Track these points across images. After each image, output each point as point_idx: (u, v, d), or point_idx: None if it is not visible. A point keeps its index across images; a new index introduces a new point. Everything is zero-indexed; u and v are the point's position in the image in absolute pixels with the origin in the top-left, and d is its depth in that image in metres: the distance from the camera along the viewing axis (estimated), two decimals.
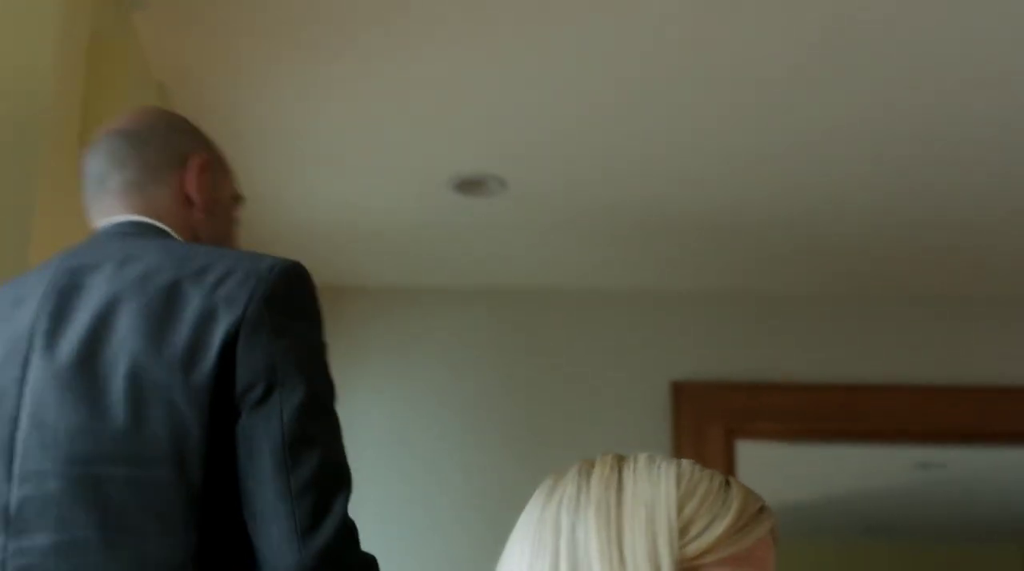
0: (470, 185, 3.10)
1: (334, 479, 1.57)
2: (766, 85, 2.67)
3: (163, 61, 2.62)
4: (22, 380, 1.62)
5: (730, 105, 2.75)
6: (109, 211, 1.76)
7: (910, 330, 3.75)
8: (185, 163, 1.79)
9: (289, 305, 1.62)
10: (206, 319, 1.58)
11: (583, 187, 3.15)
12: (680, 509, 1.16)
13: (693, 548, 1.14)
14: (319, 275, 1.64)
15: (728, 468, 3.41)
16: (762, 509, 1.19)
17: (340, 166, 3.04)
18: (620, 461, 1.21)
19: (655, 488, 1.18)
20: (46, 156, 2.01)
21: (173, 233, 1.76)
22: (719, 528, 1.16)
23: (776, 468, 3.68)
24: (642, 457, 1.22)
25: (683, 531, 1.15)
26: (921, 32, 2.49)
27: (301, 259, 1.64)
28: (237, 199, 1.88)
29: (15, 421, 1.61)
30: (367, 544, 1.56)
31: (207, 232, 1.81)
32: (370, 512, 3.57)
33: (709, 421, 3.59)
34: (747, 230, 3.37)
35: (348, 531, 1.55)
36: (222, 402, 1.55)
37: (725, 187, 3.14)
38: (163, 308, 1.60)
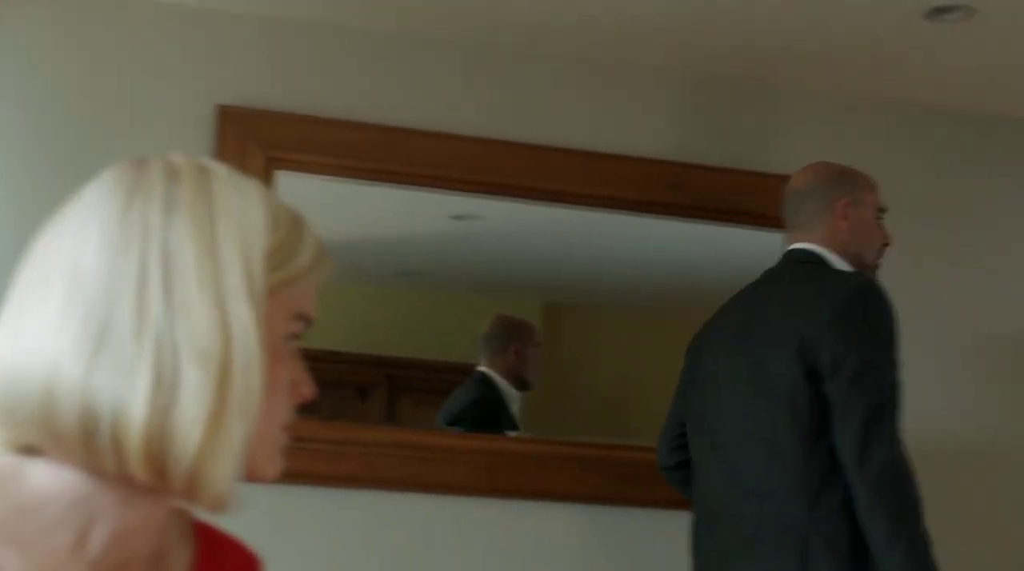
0: None
1: None
2: None
3: None
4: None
5: None
6: (793, 240, 2.99)
7: (463, 79, 3.77)
8: (834, 207, 2.95)
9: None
10: None
11: None
12: (271, 233, 1.14)
13: (280, 275, 1.14)
14: None
15: None
16: (326, 251, 1.20)
17: None
18: (203, 168, 1.16)
19: (245, 206, 1.14)
20: None
21: (828, 253, 2.92)
22: (303, 259, 1.16)
23: (316, 204, 3.67)
24: (220, 168, 1.18)
25: (272, 255, 1.13)
26: None
27: None
28: (880, 210, 3.01)
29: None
30: None
31: (853, 244, 2.95)
32: None
33: (252, 148, 3.52)
34: None
35: None
36: None
37: None
38: None
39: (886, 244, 3.05)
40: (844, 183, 3.01)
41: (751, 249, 3.85)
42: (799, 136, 3.99)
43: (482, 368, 3.84)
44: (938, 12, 3.43)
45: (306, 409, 3.58)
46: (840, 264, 2.94)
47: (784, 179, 3.79)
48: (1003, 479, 3.95)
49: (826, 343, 2.67)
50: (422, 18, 3.61)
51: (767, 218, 3.81)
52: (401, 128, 3.66)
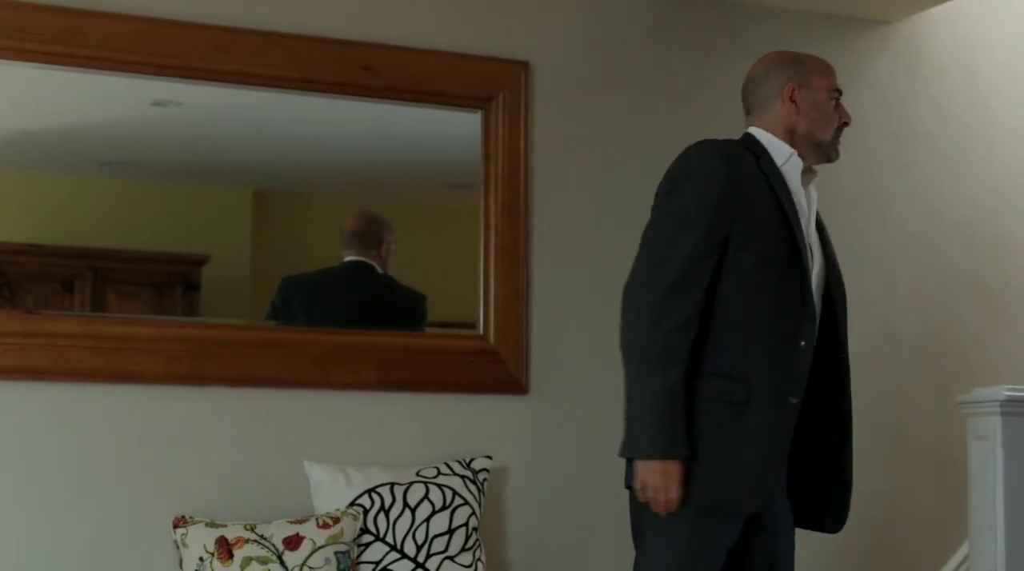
0: None
1: None
2: None
3: None
4: None
5: None
6: (747, 125, 3.22)
7: None
8: (781, 92, 3.17)
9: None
10: None
11: None
12: None
13: None
14: None
15: None
16: None
17: None
18: None
19: None
20: None
21: (772, 137, 3.15)
22: None
23: (5, 91, 3.54)
24: None
25: None
26: None
27: None
28: (834, 92, 3.19)
29: None
30: None
31: (802, 125, 3.16)
32: None
33: None
34: None
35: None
36: None
37: None
38: None
39: (845, 123, 3.22)
40: (791, 68, 3.20)
41: (453, 130, 3.89)
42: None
43: (359, 258, 3.93)
44: None
45: (9, 303, 3.49)
46: (781, 146, 3.13)
47: (488, 60, 3.85)
48: None
49: None
50: None
51: (467, 99, 3.85)
52: (80, 10, 3.50)
